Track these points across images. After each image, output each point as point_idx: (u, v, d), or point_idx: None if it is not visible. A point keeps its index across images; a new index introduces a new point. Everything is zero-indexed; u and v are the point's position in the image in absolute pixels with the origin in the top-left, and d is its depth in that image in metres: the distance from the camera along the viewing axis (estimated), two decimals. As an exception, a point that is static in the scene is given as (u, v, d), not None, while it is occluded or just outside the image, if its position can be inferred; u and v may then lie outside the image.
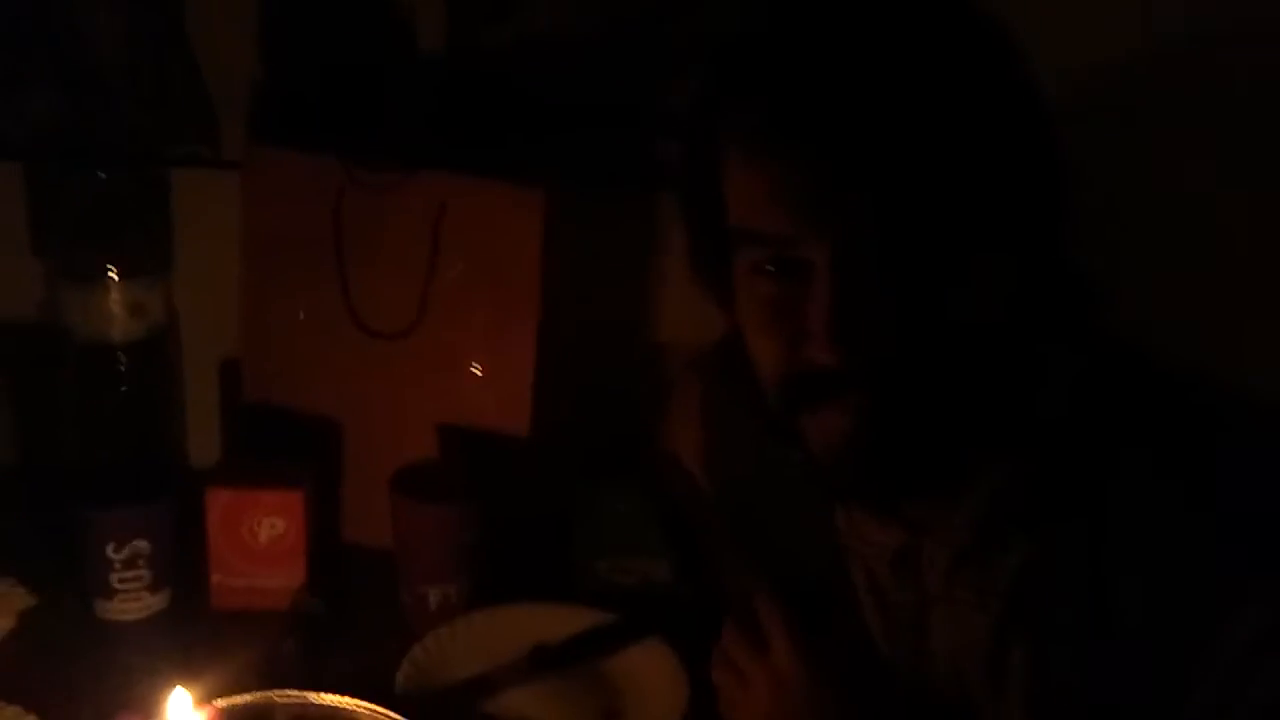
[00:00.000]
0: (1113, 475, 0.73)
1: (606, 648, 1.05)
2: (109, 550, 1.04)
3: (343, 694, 0.91)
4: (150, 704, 0.86)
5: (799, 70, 0.71)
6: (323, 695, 0.92)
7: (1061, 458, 0.75)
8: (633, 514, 1.22)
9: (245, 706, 0.90)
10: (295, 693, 0.92)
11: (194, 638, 1.06)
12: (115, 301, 1.14)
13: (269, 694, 0.92)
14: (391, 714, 0.90)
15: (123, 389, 1.17)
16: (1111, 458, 0.73)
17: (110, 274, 1.14)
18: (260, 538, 1.10)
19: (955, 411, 0.75)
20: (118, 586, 1.05)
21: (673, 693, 1.00)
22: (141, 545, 1.05)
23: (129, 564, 1.04)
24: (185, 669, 0.86)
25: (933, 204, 0.70)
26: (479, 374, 1.17)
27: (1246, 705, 0.66)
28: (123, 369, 1.16)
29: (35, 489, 1.25)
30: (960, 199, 0.70)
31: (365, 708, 0.91)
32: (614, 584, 1.16)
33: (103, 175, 1.15)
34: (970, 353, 0.74)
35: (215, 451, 1.29)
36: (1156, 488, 0.72)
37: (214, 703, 0.84)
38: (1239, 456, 0.73)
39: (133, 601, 1.06)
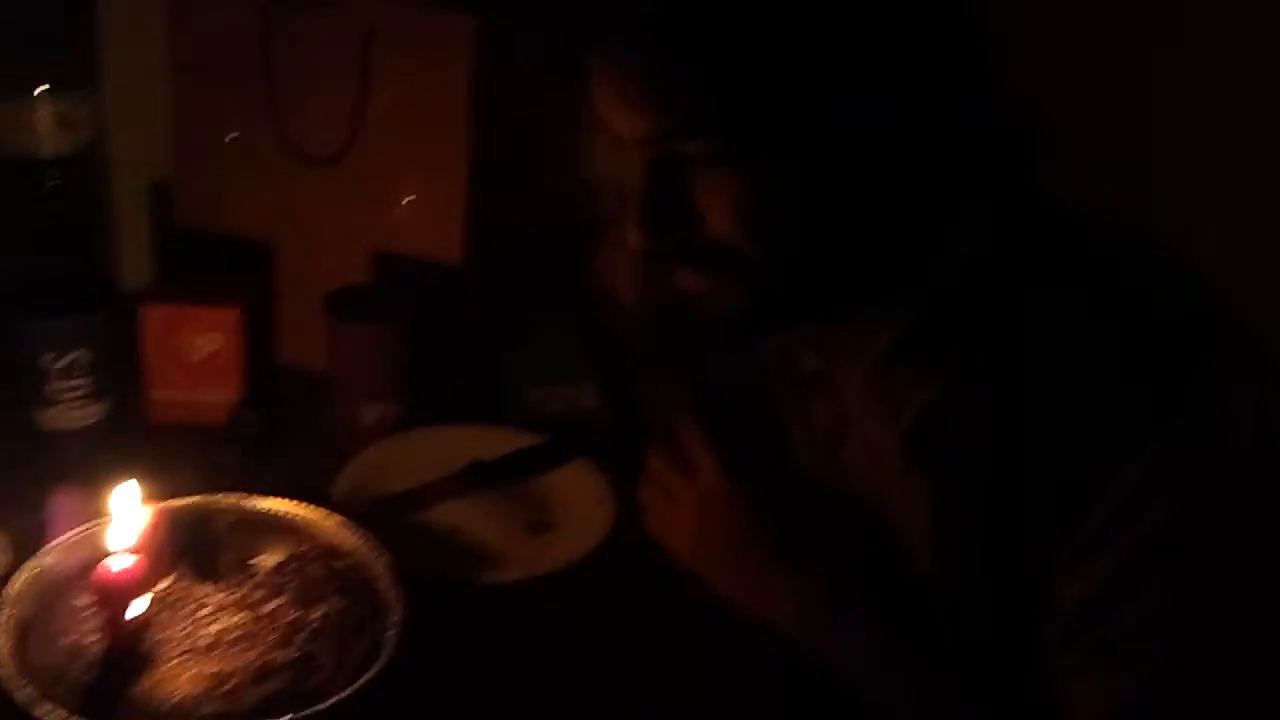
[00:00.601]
0: (1019, 315, 0.75)
1: (536, 466, 1.10)
2: (47, 359, 1.05)
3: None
4: (94, 500, 0.89)
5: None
6: (262, 499, 0.96)
7: (971, 296, 0.77)
8: (563, 344, 1.26)
9: (186, 508, 0.93)
10: (235, 497, 0.96)
11: (133, 447, 1.08)
12: (43, 116, 1.13)
13: (208, 498, 0.96)
14: (328, 516, 0.94)
15: (51, 205, 1.16)
16: (1018, 297, 0.76)
17: (38, 87, 1.12)
18: (197, 353, 1.12)
19: (855, 266, 0.77)
20: (56, 396, 1.07)
21: (599, 508, 1.05)
22: (80, 355, 1.06)
23: (67, 373, 1.06)
24: (126, 476, 0.89)
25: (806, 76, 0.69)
26: (410, 202, 1.19)
27: (1137, 533, 0.70)
28: (50, 184, 1.15)
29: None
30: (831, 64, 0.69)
31: (304, 511, 0.95)
32: (543, 411, 1.21)
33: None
34: (873, 214, 0.75)
35: (147, 274, 1.29)
36: (1062, 326, 0.74)
37: (159, 501, 0.87)
38: (1141, 295, 0.75)
39: (72, 411, 1.08)
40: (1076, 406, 0.72)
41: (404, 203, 1.18)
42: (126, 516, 0.84)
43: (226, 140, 1.19)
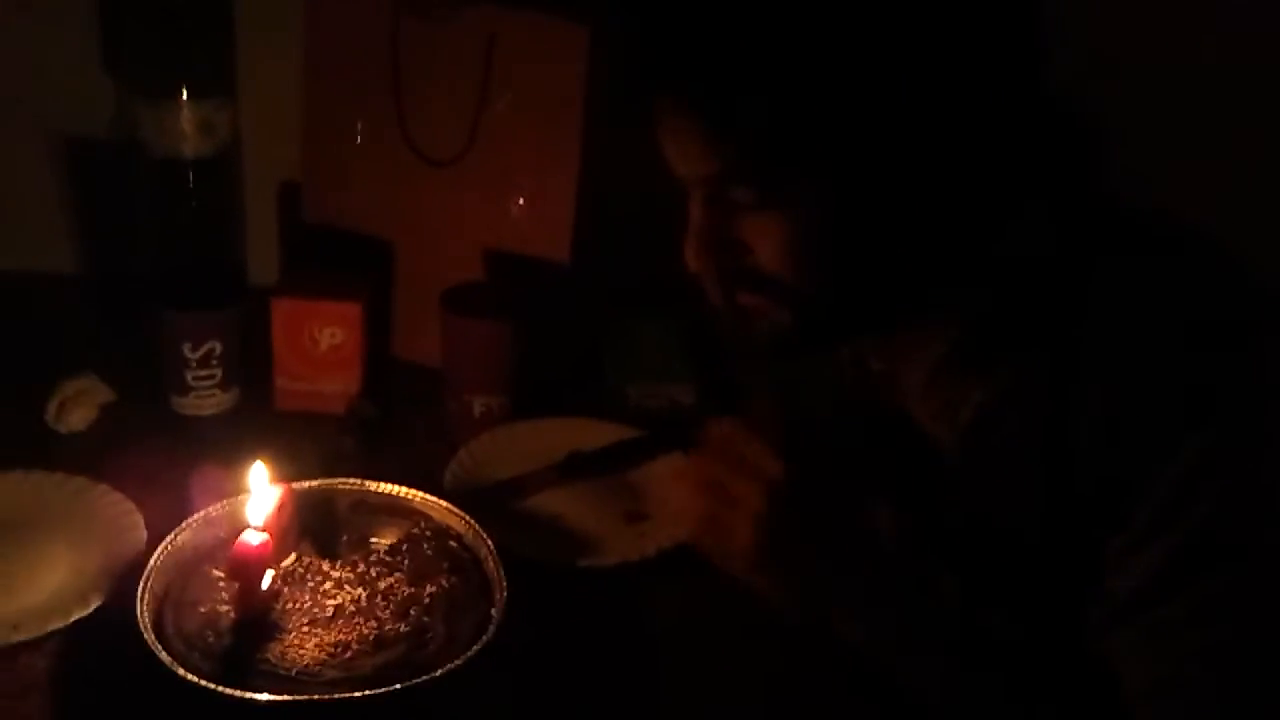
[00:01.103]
0: (1074, 314, 0.78)
1: (634, 459, 1.15)
2: (186, 349, 1.13)
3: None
4: (227, 479, 0.97)
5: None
6: (380, 484, 1.03)
7: (1029, 295, 0.80)
8: (662, 342, 1.31)
9: (310, 490, 1.00)
10: (355, 481, 1.03)
11: (260, 433, 1.16)
12: (187, 120, 1.21)
13: (332, 481, 1.03)
14: (440, 501, 1.01)
15: (192, 204, 1.25)
16: (1074, 297, 0.78)
17: (182, 93, 1.21)
18: (320, 345, 1.19)
19: (905, 286, 0.81)
20: (192, 383, 1.15)
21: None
22: (215, 345, 1.14)
23: (203, 362, 1.14)
24: (255, 459, 0.96)
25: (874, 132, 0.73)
26: (522, 203, 1.25)
27: (1184, 527, 0.73)
28: (192, 185, 1.24)
29: (108, 298, 1.35)
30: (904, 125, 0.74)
31: (418, 495, 1.02)
32: (642, 407, 1.26)
33: (174, -2, 1.22)
34: (920, 239, 0.79)
35: (273, 268, 1.38)
36: (1114, 327, 0.77)
37: (287, 483, 0.95)
38: (1194, 295, 0.77)
39: (206, 398, 1.16)
40: (1126, 405, 0.75)
41: (517, 203, 1.24)
42: (259, 495, 0.92)
43: (356, 143, 1.26)
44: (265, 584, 0.90)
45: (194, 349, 1.13)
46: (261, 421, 1.19)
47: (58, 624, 0.93)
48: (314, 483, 1.01)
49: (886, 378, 0.92)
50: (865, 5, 0.72)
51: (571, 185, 1.22)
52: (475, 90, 1.22)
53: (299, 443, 1.11)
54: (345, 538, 0.98)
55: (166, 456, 1.12)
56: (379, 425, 1.19)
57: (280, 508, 0.92)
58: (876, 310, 0.84)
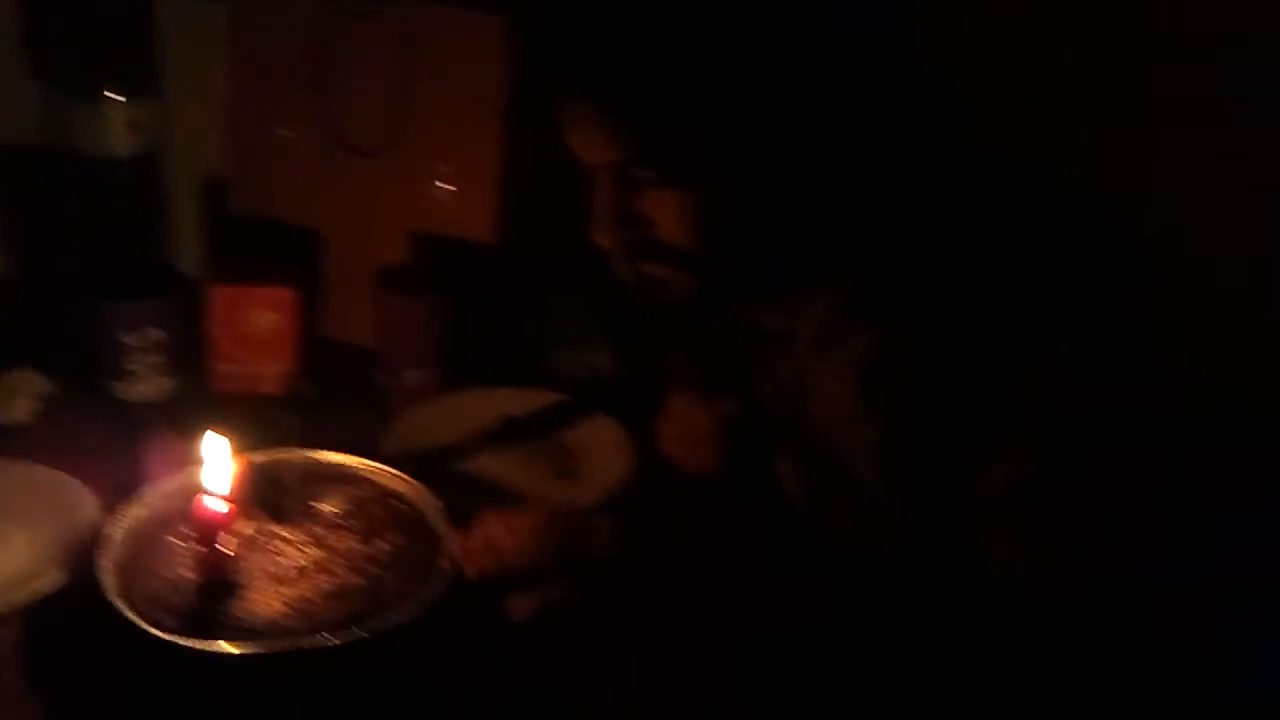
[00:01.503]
0: (951, 258, 0.87)
1: (562, 421, 1.23)
2: (126, 337, 1.18)
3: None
4: (179, 450, 1.02)
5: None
6: (325, 453, 1.09)
7: (909, 254, 0.89)
8: (581, 314, 1.38)
9: (261, 461, 1.06)
10: (301, 452, 1.09)
11: (202, 415, 1.21)
12: (117, 119, 1.26)
13: (278, 452, 1.09)
14: (384, 467, 1.08)
15: (122, 201, 1.29)
16: (949, 242, 0.87)
17: (113, 95, 1.25)
18: (257, 329, 1.25)
19: (797, 248, 0.90)
20: (133, 370, 1.20)
21: (618, 456, 1.17)
22: (155, 332, 1.19)
23: (144, 350, 1.19)
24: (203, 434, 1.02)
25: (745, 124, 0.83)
26: (448, 189, 1.31)
27: (1043, 429, 0.82)
28: (122, 182, 1.29)
29: (35, 297, 1.39)
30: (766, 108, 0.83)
31: (362, 462, 1.08)
32: (564, 374, 1.33)
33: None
34: (809, 208, 0.88)
35: (202, 262, 1.42)
36: (985, 264, 0.86)
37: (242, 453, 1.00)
38: (1050, 223, 0.87)
39: (146, 384, 1.21)
40: (993, 327, 0.84)
41: (439, 186, 1.30)
42: (216, 463, 0.97)
43: (281, 135, 1.32)
44: (226, 547, 0.96)
45: (134, 337, 1.18)
46: (202, 404, 1.24)
47: (21, 597, 0.97)
48: (262, 454, 1.06)
49: (780, 336, 1.01)
50: (743, 10, 0.81)
51: (493, 169, 1.29)
52: (398, 82, 1.28)
53: (241, 422, 1.15)
54: (295, 506, 1.04)
55: (111, 440, 1.17)
56: (316, 402, 1.24)
57: (236, 475, 0.98)
58: (768, 273, 0.92)
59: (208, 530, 0.94)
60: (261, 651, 0.88)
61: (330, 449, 1.09)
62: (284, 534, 1.00)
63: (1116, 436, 0.82)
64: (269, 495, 1.04)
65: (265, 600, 0.94)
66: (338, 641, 0.89)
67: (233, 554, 0.96)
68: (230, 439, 1.01)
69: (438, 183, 1.31)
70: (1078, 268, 0.84)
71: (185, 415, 1.20)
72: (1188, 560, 0.84)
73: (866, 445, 0.94)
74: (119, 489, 1.06)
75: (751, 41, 0.82)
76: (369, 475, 1.07)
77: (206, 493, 0.96)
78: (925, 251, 0.88)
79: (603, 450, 1.18)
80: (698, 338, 1.15)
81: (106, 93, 1.25)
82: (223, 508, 0.95)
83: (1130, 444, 0.83)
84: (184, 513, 1.00)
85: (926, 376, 0.87)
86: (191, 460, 1.02)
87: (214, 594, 0.94)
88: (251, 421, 1.17)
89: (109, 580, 0.93)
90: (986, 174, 0.90)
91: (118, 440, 1.17)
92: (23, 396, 1.20)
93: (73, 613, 0.97)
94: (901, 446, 0.91)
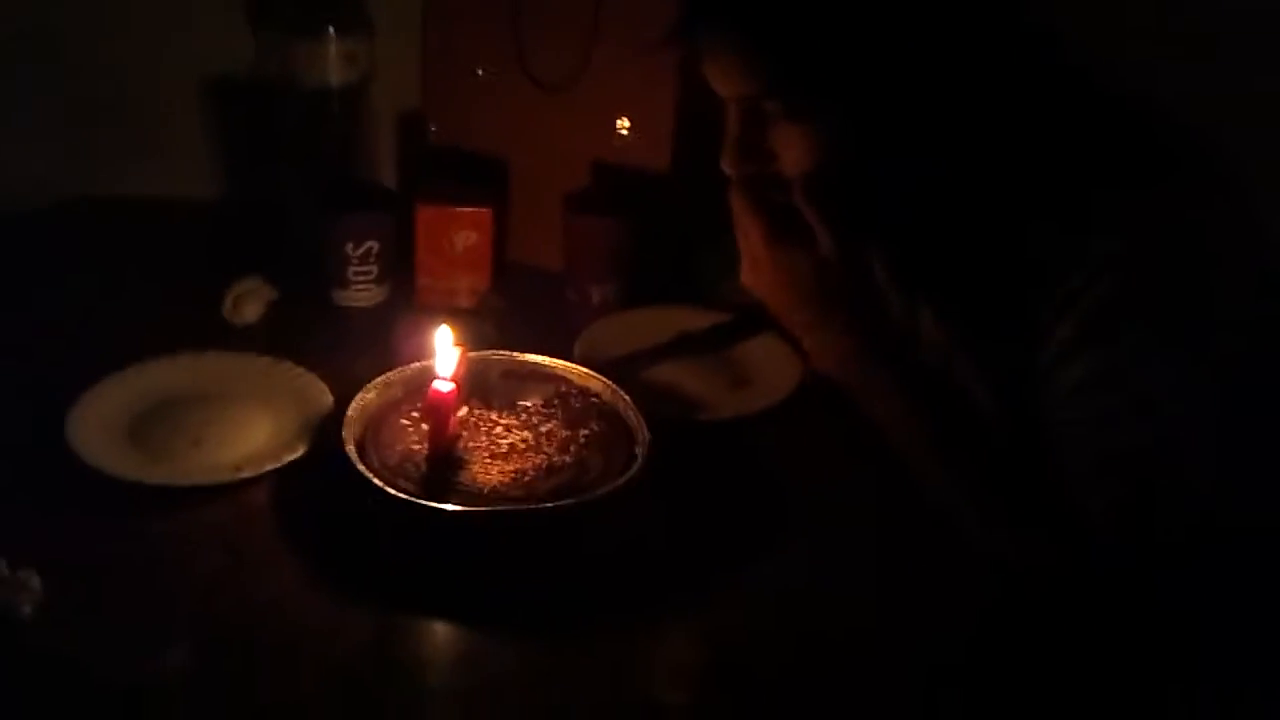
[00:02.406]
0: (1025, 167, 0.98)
1: (735, 337, 1.33)
2: (349, 248, 1.32)
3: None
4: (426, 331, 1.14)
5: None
6: (526, 355, 1.21)
7: (984, 159, 0.99)
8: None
9: (470, 358, 1.18)
10: (504, 352, 1.22)
11: (409, 322, 1.34)
12: (334, 53, 1.39)
13: (483, 352, 1.21)
14: (579, 367, 1.20)
15: (336, 127, 1.42)
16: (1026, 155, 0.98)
17: (330, 30, 1.38)
18: (457, 247, 1.37)
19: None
20: (353, 278, 1.33)
21: (787, 368, 1.27)
22: (373, 244, 1.32)
23: (364, 259, 1.32)
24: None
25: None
26: (625, 133, 1.42)
27: (1085, 306, 0.92)
28: (337, 111, 1.42)
29: (258, 217, 1.52)
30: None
31: (559, 363, 1.20)
32: (732, 298, 1.44)
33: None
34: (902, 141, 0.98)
35: (400, 184, 1.55)
36: (1057, 174, 0.96)
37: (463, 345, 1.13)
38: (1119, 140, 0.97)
39: (364, 291, 1.34)
40: (1055, 228, 0.95)
41: (622, 127, 1.42)
42: (446, 351, 1.10)
43: (478, 73, 1.44)
44: (452, 426, 1.09)
45: (355, 247, 1.31)
46: (407, 315, 1.37)
47: (272, 465, 1.11)
48: (472, 353, 1.19)
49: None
50: None
51: (671, 105, 1.40)
52: (586, 24, 1.40)
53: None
54: (501, 398, 1.17)
55: (333, 340, 1.31)
56: (509, 315, 1.37)
57: (458, 364, 1.11)
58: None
59: (437, 409, 1.07)
60: (489, 510, 1.01)
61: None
62: (497, 419, 1.13)
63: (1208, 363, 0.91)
64: (477, 389, 1.16)
65: (487, 471, 1.07)
66: (556, 504, 1.02)
67: (456, 433, 1.09)
68: (454, 332, 1.13)
69: (618, 124, 1.42)
70: (1138, 187, 0.94)
71: (394, 323, 1.34)
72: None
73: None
74: (342, 380, 1.19)
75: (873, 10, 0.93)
76: (565, 374, 1.20)
77: (430, 381, 1.09)
78: (1000, 163, 0.99)
79: (773, 362, 1.29)
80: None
81: (328, 29, 1.37)
82: (450, 390, 1.07)
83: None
84: (410, 398, 1.14)
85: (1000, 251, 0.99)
86: (417, 354, 1.15)
87: (443, 466, 1.07)
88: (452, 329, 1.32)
89: (353, 451, 1.06)
90: (1079, 102, 1.00)
91: (337, 340, 1.31)
92: (253, 301, 1.34)
93: (315, 482, 1.11)
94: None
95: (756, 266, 1.13)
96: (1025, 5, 1.00)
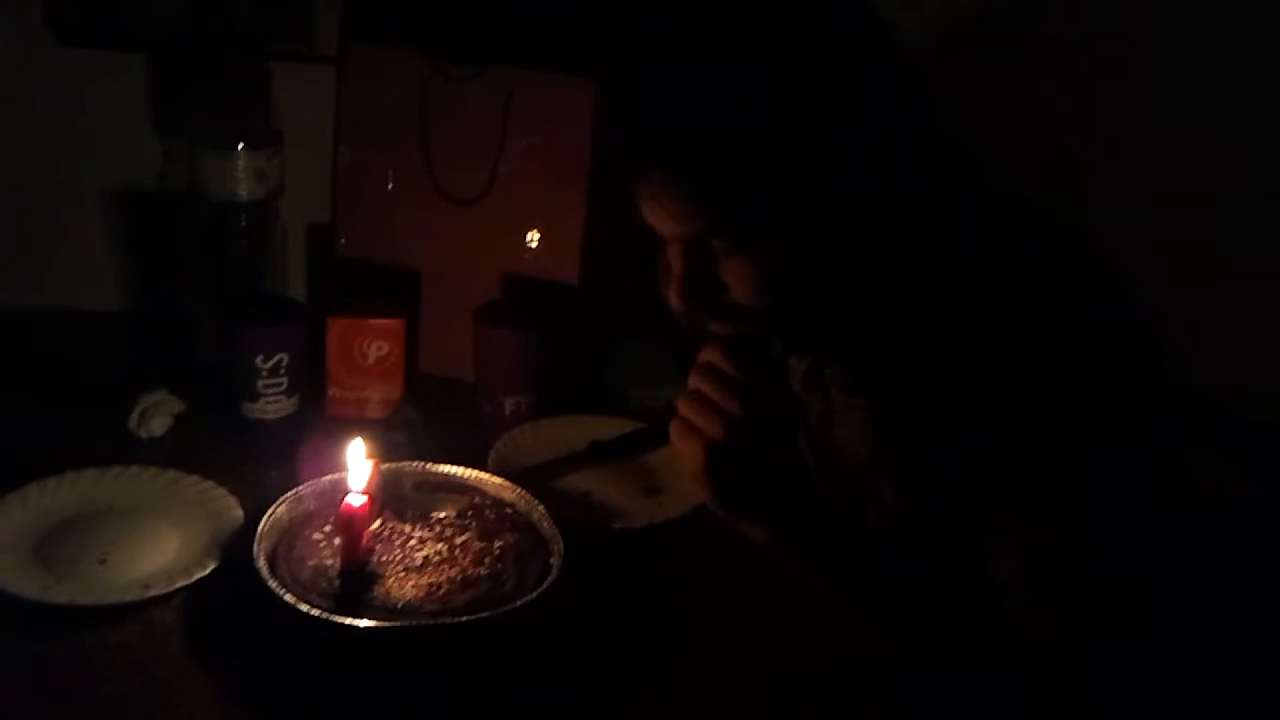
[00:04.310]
0: (953, 306, 1.02)
1: (647, 444, 1.35)
2: (259, 360, 1.31)
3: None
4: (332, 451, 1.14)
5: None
6: (440, 465, 1.22)
7: (919, 312, 1.03)
8: (655, 350, 1.51)
9: (386, 469, 1.18)
10: (418, 463, 1.22)
11: (319, 434, 1.34)
12: (242, 168, 1.40)
13: (398, 463, 1.22)
14: (493, 477, 1.20)
15: (244, 242, 1.43)
16: (951, 293, 1.02)
17: (239, 145, 1.39)
18: (369, 358, 1.38)
19: (836, 299, 1.03)
20: (263, 390, 1.33)
21: (698, 476, 1.30)
22: (283, 356, 1.32)
23: (274, 371, 1.32)
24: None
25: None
26: (534, 242, 1.45)
27: (1042, 463, 0.97)
28: (244, 225, 1.42)
29: (164, 329, 1.52)
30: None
31: (473, 473, 1.21)
32: (640, 404, 1.46)
33: (232, 62, 1.40)
34: (848, 262, 1.00)
35: (310, 297, 1.56)
36: (986, 309, 1.00)
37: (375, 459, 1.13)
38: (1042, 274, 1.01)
39: (274, 403, 1.34)
40: (993, 368, 0.99)
41: (531, 239, 1.45)
42: (359, 465, 1.10)
43: (388, 187, 1.46)
44: (365, 540, 1.08)
45: (265, 360, 1.31)
46: (318, 425, 1.37)
47: (182, 582, 1.09)
48: (386, 464, 1.19)
49: (810, 376, 1.16)
50: (806, 116, 0.93)
51: (579, 220, 1.43)
52: (495, 140, 1.43)
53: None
54: (414, 510, 1.17)
55: (241, 453, 1.30)
56: (421, 426, 1.37)
57: (371, 478, 1.11)
58: (818, 320, 1.05)
59: (350, 523, 1.07)
60: (404, 625, 1.01)
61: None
62: (411, 531, 1.13)
63: (1118, 477, 0.97)
64: (390, 501, 1.16)
65: (402, 586, 1.06)
66: (469, 619, 1.01)
67: (369, 547, 1.09)
68: (366, 445, 1.14)
69: (528, 236, 1.45)
70: (1071, 318, 0.99)
71: (304, 435, 1.34)
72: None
73: (885, 474, 1.09)
74: (253, 494, 1.19)
75: (819, 123, 0.93)
76: (479, 485, 1.20)
77: (341, 495, 1.09)
78: (937, 313, 1.03)
79: (683, 473, 1.30)
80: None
81: (238, 144, 1.38)
82: (363, 504, 1.07)
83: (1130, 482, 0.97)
84: (321, 512, 1.14)
85: (926, 418, 1.04)
86: (328, 468, 1.15)
87: (356, 580, 1.06)
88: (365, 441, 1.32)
89: (264, 567, 1.05)
90: (996, 224, 1.04)
91: (246, 453, 1.30)
92: (161, 414, 1.33)
93: (226, 599, 1.09)
94: (919, 468, 1.06)
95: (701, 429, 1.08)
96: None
